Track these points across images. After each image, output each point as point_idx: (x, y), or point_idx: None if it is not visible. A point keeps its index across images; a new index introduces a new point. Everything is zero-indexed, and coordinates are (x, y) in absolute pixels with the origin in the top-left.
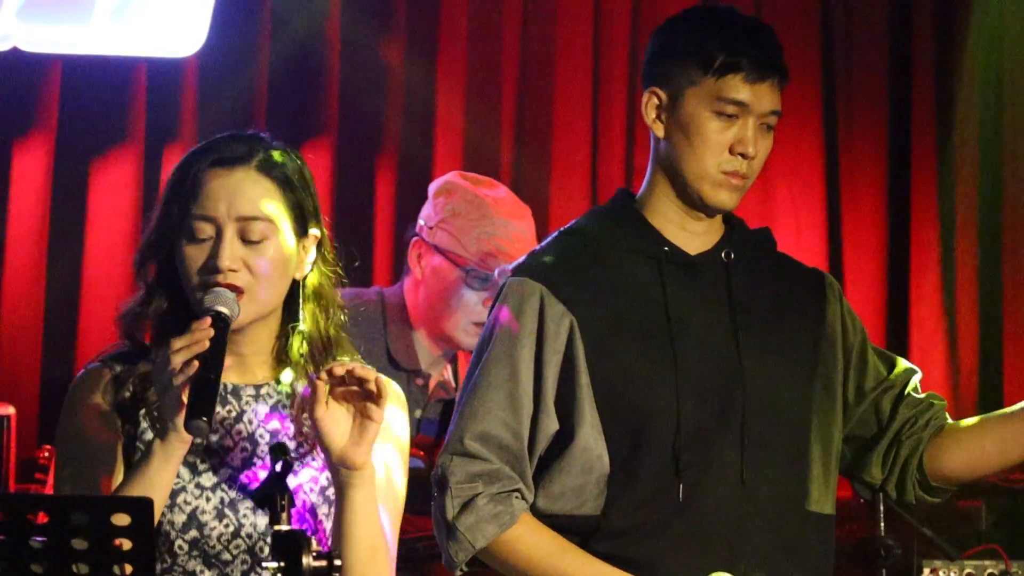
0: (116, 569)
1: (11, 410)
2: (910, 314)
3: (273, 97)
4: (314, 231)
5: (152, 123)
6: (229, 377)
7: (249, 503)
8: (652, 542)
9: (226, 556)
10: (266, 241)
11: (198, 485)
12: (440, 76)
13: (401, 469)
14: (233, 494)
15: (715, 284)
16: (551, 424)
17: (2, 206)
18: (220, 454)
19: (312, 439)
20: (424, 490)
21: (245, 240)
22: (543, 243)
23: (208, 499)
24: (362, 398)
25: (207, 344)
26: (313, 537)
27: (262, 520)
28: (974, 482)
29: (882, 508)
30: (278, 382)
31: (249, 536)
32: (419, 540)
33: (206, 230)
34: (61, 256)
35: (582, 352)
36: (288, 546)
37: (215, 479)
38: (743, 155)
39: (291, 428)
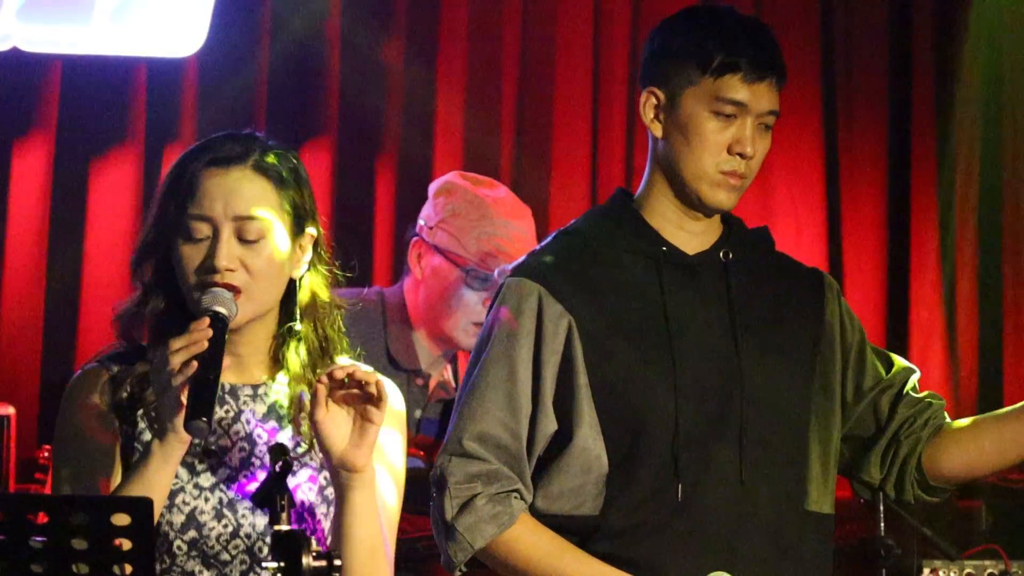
0: (116, 569)
1: (11, 410)
2: (910, 314)
3: (273, 97)
4: (310, 230)
5: (152, 123)
6: (226, 377)
7: (248, 503)
8: (651, 542)
9: (225, 556)
10: (263, 240)
11: (196, 485)
12: (440, 76)
13: (394, 492)
14: (231, 494)
15: (713, 284)
16: (549, 424)
17: (2, 206)
18: (218, 454)
19: (310, 438)
20: (424, 490)
21: (242, 239)
22: (542, 243)
23: (207, 499)
24: (362, 401)
25: (206, 344)
26: (312, 537)
27: (261, 520)
28: (973, 482)
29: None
30: (275, 382)
31: (248, 536)
32: (419, 540)
33: (203, 230)
34: (61, 256)
35: (580, 352)
36: (288, 546)
37: (213, 479)
38: (741, 155)
39: (288, 428)
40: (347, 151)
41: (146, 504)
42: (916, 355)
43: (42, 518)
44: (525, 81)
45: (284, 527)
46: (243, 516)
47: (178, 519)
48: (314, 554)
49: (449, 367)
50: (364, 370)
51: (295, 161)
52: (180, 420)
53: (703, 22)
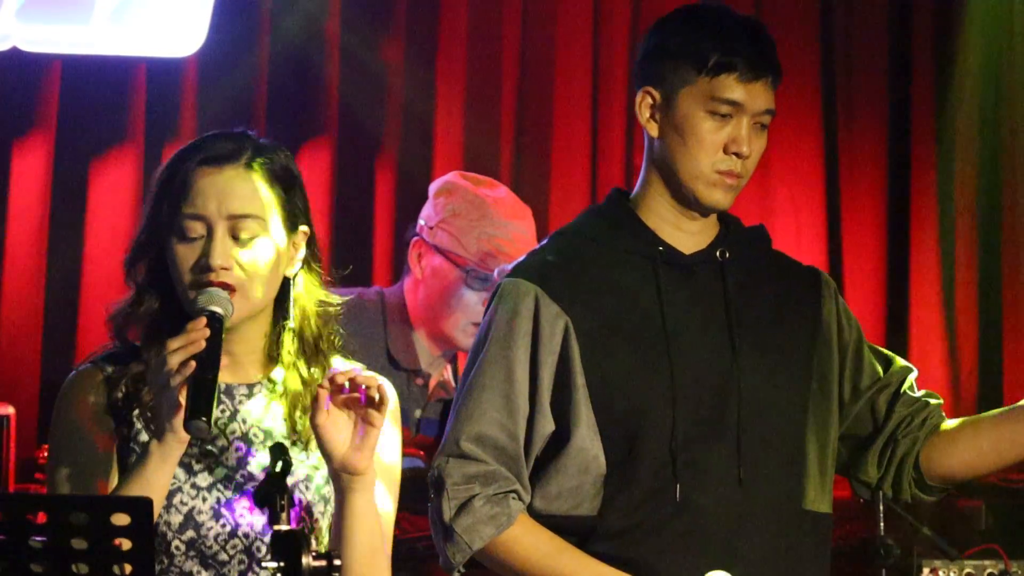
0: (116, 569)
1: (11, 410)
2: (910, 314)
3: (272, 97)
4: (303, 228)
5: (152, 123)
6: (222, 377)
7: (246, 503)
8: (649, 542)
9: (223, 556)
10: (257, 239)
11: (194, 485)
12: (440, 76)
13: (390, 490)
14: (229, 494)
15: (710, 283)
16: (547, 425)
17: (2, 206)
18: (215, 454)
19: (306, 437)
20: (424, 490)
21: (236, 238)
22: (539, 245)
23: (204, 499)
24: (363, 404)
25: (203, 344)
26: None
27: (259, 520)
28: (970, 481)
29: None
30: (270, 380)
31: (246, 536)
32: (419, 540)
33: (197, 229)
34: (61, 256)
35: (577, 353)
36: (288, 546)
37: (211, 479)
38: (737, 154)
39: (285, 427)
40: (347, 151)
41: (146, 504)
42: (916, 355)
43: (42, 518)
44: (525, 81)
45: (283, 527)
46: (241, 516)
47: (176, 519)
48: (314, 554)
49: (449, 367)
50: (365, 374)
51: (287, 159)
52: (179, 420)
53: (699, 22)
